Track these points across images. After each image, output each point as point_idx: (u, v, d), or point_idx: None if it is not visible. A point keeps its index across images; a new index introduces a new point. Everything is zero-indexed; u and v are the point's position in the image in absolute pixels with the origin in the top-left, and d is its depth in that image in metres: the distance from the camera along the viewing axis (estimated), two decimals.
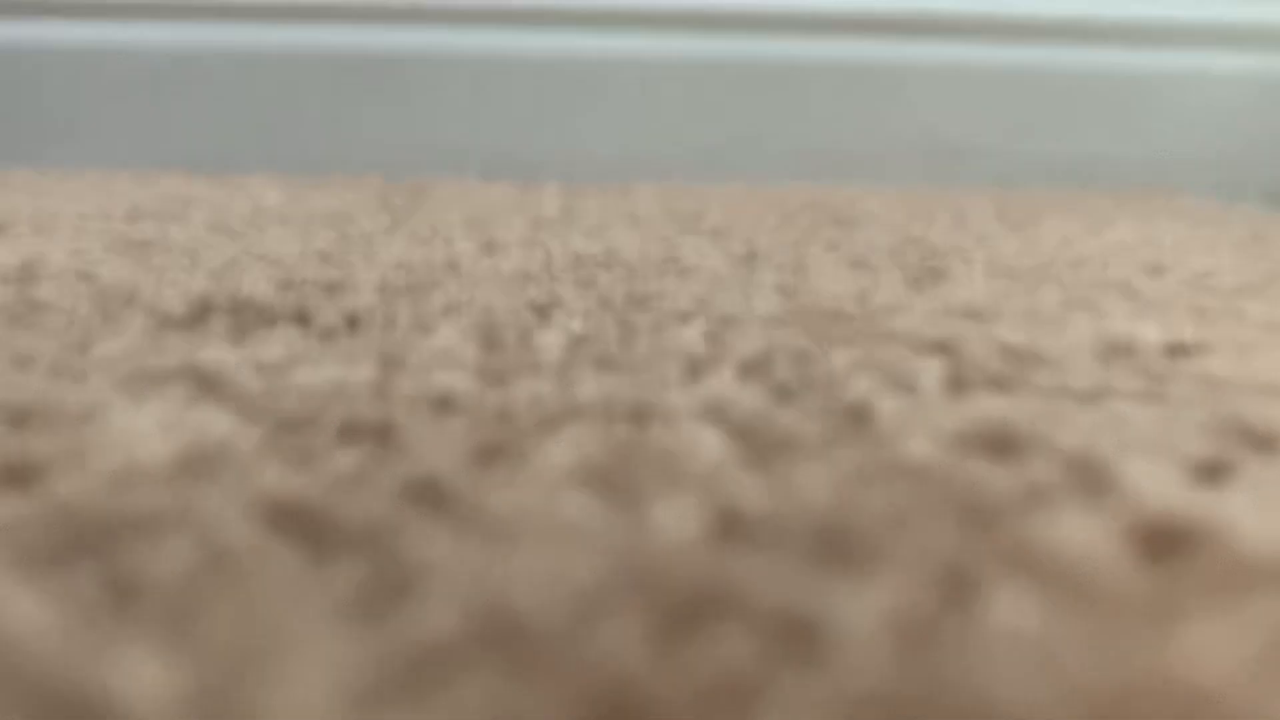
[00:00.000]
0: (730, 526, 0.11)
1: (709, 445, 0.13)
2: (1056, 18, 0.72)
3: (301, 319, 0.20)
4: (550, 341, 0.18)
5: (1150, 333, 0.20)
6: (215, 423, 0.13)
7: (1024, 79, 0.71)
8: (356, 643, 0.09)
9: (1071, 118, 0.71)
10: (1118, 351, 0.18)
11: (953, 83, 0.71)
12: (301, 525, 0.11)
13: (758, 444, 0.13)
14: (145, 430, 0.13)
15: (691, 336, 0.18)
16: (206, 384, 0.15)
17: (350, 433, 0.13)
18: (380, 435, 0.13)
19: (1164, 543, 0.11)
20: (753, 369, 0.16)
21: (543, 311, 0.21)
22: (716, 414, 0.14)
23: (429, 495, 0.12)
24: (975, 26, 0.72)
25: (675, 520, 0.11)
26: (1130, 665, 0.09)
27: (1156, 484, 0.12)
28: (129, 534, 0.10)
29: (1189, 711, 0.08)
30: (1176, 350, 0.19)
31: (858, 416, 0.14)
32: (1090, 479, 0.12)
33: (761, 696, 0.08)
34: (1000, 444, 0.13)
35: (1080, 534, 0.11)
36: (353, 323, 0.20)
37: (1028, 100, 0.71)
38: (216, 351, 0.17)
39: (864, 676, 0.09)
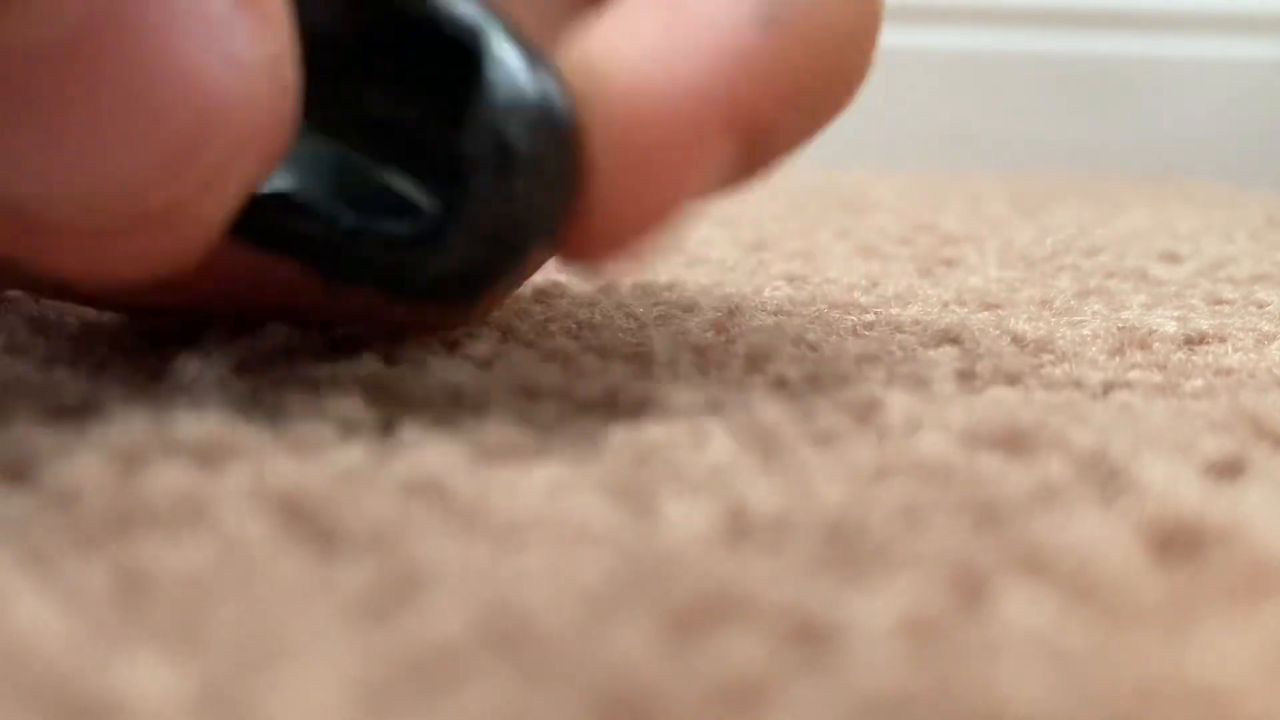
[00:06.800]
0: (740, 525, 0.11)
1: (718, 441, 0.13)
2: (1069, 1, 0.72)
3: None
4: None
5: (1167, 324, 0.19)
6: None
7: (1037, 64, 0.71)
8: (364, 643, 0.09)
9: (1085, 103, 0.70)
10: (1133, 343, 0.18)
11: (964, 68, 0.71)
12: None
13: (767, 440, 0.13)
14: None
15: (699, 327, 0.18)
16: None
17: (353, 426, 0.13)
18: (388, 427, 0.13)
19: (1180, 543, 0.11)
20: (762, 361, 0.16)
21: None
22: (725, 409, 0.14)
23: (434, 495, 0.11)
24: (986, 11, 0.71)
25: (684, 519, 0.11)
26: (1146, 668, 0.09)
27: (1173, 482, 0.12)
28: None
29: (1206, 715, 0.08)
30: (1194, 342, 0.19)
31: (868, 411, 0.14)
32: (1105, 477, 0.12)
33: (773, 698, 0.08)
34: (1013, 440, 0.13)
35: (1095, 534, 0.11)
36: None
37: (1040, 85, 0.71)
38: None
39: (876, 678, 0.08)
